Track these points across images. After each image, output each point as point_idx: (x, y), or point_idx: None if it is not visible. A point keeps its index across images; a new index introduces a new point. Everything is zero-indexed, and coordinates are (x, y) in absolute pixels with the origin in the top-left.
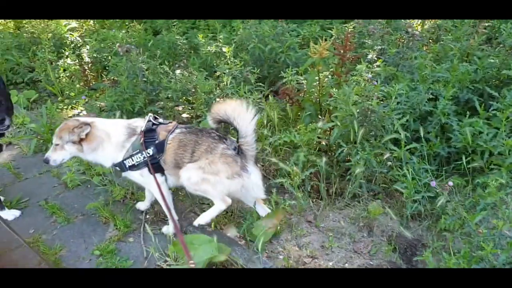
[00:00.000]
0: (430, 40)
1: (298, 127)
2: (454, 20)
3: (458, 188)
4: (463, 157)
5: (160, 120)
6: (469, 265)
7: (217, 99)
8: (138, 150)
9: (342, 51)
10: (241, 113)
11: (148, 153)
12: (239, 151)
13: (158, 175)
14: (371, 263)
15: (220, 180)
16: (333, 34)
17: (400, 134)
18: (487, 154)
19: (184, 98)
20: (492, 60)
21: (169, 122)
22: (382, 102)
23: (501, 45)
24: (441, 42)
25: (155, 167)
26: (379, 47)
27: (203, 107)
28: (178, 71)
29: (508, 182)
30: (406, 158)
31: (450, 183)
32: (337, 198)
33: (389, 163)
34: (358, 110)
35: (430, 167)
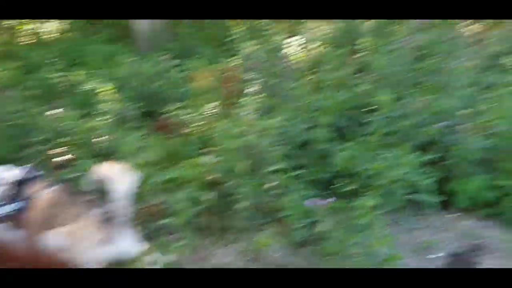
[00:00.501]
0: (308, 71)
1: (183, 162)
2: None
3: (336, 211)
4: (339, 181)
5: (38, 172)
6: None
7: (95, 139)
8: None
9: (225, 84)
10: (117, 174)
11: (13, 207)
12: (110, 216)
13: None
14: None
15: (89, 247)
16: (219, 67)
17: (280, 164)
18: (362, 176)
19: (59, 140)
20: (364, 88)
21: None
22: (265, 132)
23: (371, 75)
24: (318, 72)
25: (18, 223)
26: (261, 80)
27: (80, 149)
28: (53, 111)
29: (378, 204)
30: (288, 186)
31: (331, 199)
32: (226, 232)
33: (273, 192)
34: (240, 144)
35: (312, 192)
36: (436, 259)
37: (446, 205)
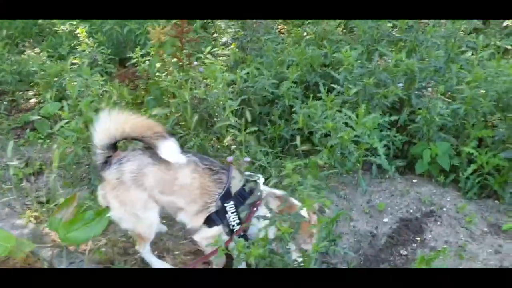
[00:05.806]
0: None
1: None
2: None
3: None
4: (298, 138)
5: None
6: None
7: (66, 81)
8: None
9: (179, 34)
10: None
11: None
12: None
13: None
14: None
15: None
16: None
17: (232, 120)
18: (319, 135)
19: (27, 81)
20: (336, 45)
21: None
22: (229, 85)
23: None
24: (301, 25)
25: None
26: (233, 30)
27: (48, 91)
28: (28, 52)
29: (332, 163)
30: (244, 143)
31: (247, 159)
32: None
33: (233, 147)
34: (190, 97)
35: (271, 150)
36: (388, 223)
37: (405, 169)
